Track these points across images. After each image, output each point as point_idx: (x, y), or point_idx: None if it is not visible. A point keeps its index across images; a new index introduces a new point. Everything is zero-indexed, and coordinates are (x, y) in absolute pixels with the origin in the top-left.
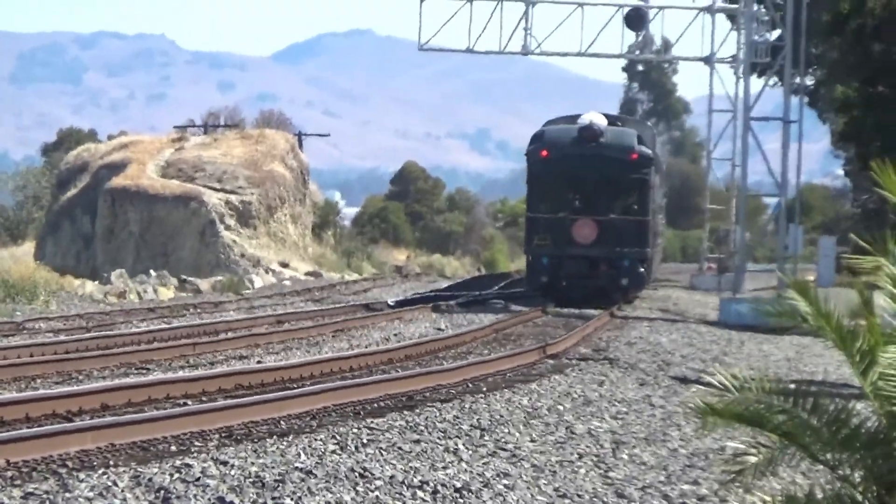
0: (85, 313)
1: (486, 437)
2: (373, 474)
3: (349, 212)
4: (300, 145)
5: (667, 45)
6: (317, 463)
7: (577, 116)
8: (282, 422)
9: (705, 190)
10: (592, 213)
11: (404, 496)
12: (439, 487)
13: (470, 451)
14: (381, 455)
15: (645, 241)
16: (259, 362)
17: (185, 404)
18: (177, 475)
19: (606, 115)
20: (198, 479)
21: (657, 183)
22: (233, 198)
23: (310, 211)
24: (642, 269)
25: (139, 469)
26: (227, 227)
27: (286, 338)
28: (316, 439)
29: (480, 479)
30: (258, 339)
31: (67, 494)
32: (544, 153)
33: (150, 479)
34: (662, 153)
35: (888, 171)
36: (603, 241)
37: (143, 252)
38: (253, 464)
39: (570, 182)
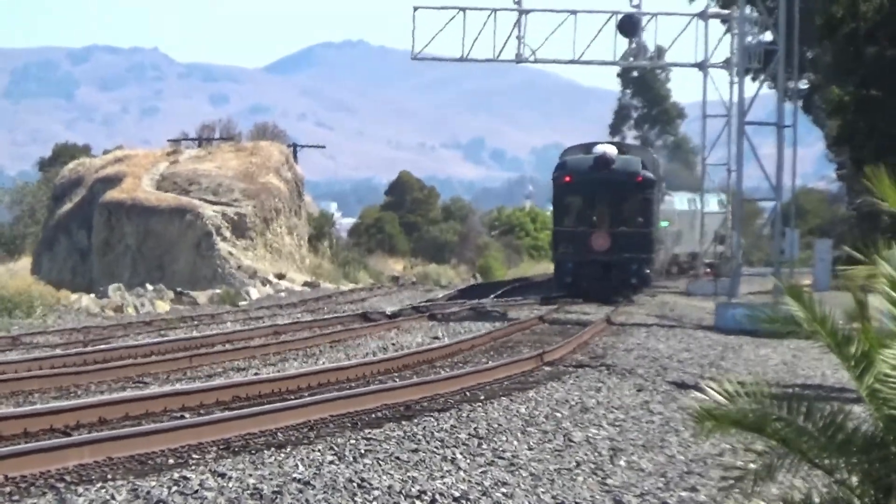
0: (82, 327)
1: (484, 446)
2: (371, 485)
3: (345, 223)
4: (295, 157)
5: (660, 52)
6: (314, 474)
7: (593, 145)
8: (279, 433)
9: (701, 195)
10: (606, 227)
11: None
12: (437, 497)
13: (468, 460)
14: (379, 465)
15: (649, 248)
16: (256, 374)
17: (183, 417)
18: (175, 488)
19: (616, 145)
20: (196, 491)
21: (659, 200)
22: (228, 210)
23: (305, 222)
24: (647, 271)
25: (137, 482)
26: (223, 240)
27: (283, 349)
28: (313, 450)
29: (479, 488)
30: (255, 351)
31: None
32: (567, 178)
33: (148, 493)
34: (661, 156)
35: (882, 177)
36: (615, 249)
37: (140, 265)
38: (251, 476)
39: (588, 201)
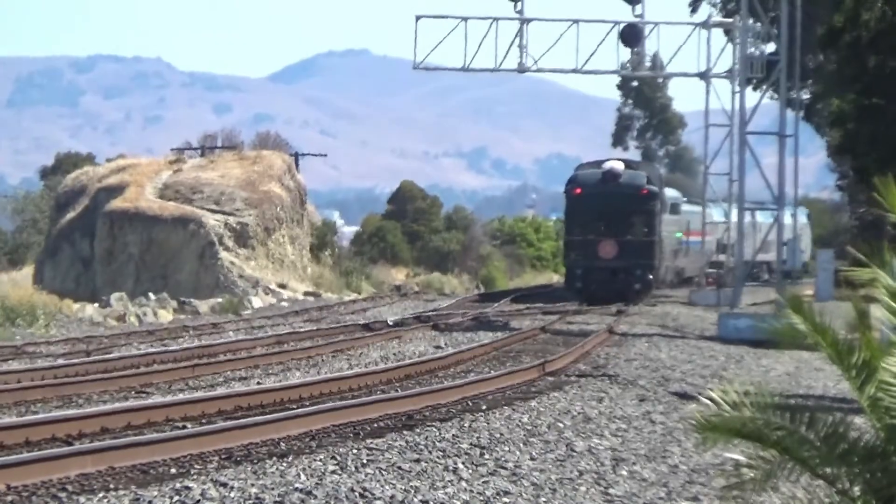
0: (84, 336)
1: (486, 456)
2: (373, 494)
3: (348, 231)
4: (297, 166)
5: (655, 60)
6: (317, 484)
7: (602, 162)
8: (281, 443)
9: (703, 205)
10: (613, 235)
11: None
12: None
13: (470, 470)
14: (381, 475)
15: (653, 256)
16: (258, 383)
17: (185, 427)
18: (177, 498)
19: (624, 161)
20: (197, 501)
21: (661, 211)
22: (231, 219)
23: (307, 231)
24: (651, 277)
25: (139, 492)
26: (226, 249)
27: (285, 358)
28: (315, 460)
29: (481, 498)
30: (257, 361)
31: None
32: (578, 191)
33: (149, 502)
34: (663, 165)
35: (890, 187)
36: (621, 256)
37: (143, 274)
38: (253, 485)
39: (597, 212)
